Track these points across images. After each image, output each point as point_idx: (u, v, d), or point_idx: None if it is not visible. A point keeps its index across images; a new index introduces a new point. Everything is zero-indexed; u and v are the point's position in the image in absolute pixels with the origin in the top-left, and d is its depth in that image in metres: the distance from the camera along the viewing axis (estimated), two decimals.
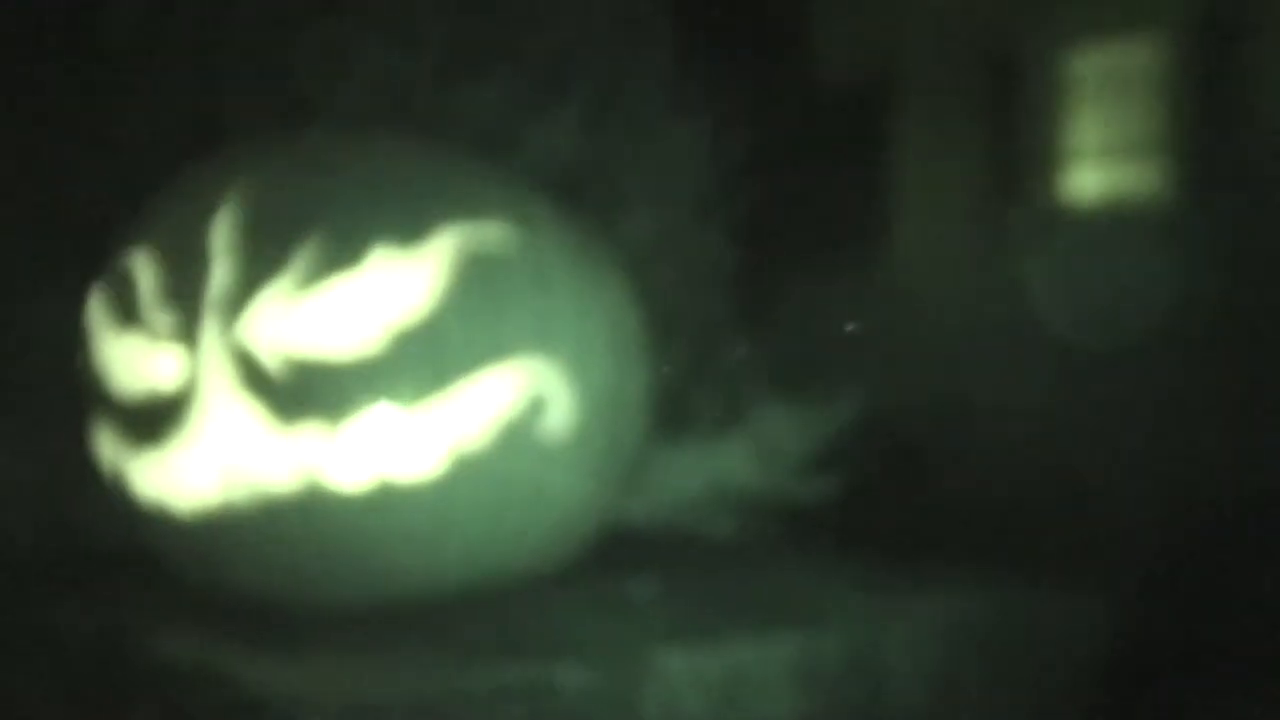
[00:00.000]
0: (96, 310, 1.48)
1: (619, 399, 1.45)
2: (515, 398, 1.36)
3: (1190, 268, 1.67)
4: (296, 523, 1.36)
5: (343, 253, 1.35)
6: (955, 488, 1.78)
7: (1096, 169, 1.83)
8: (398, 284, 1.35)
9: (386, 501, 1.35)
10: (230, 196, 1.40)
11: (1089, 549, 1.63)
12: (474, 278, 1.36)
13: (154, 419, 1.40)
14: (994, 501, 1.73)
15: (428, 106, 1.85)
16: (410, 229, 1.36)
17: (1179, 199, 1.80)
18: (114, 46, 1.83)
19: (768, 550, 1.81)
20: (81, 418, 1.54)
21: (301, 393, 1.34)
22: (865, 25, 2.03)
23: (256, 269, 1.36)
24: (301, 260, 1.35)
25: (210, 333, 1.36)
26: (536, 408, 1.38)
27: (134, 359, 1.42)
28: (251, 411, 1.35)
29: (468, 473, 1.36)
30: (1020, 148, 1.89)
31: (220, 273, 1.37)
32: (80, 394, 1.54)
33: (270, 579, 1.40)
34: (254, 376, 1.35)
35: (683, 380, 1.83)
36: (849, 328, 1.88)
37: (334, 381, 1.34)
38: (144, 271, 1.42)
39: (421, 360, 1.34)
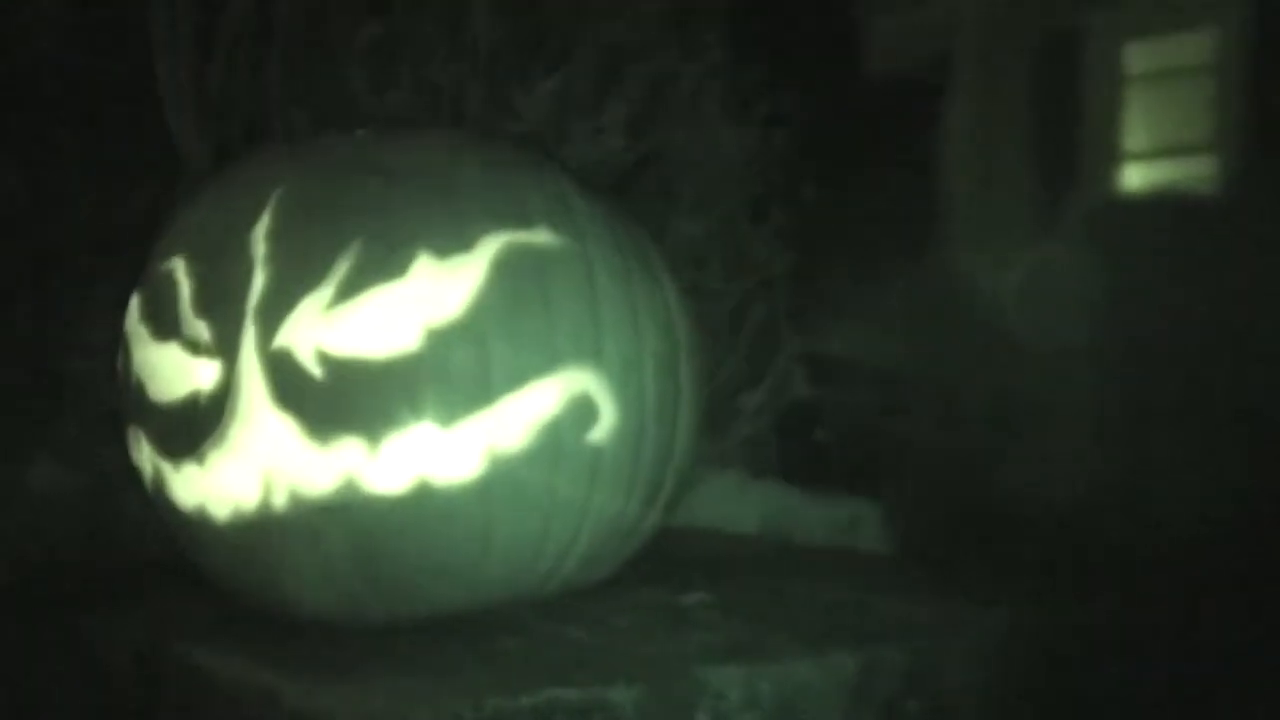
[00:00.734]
0: (135, 318, 1.45)
1: (669, 409, 1.41)
2: (562, 407, 1.33)
3: (1261, 264, 1.62)
4: (335, 527, 1.32)
5: (386, 260, 1.31)
6: (1016, 496, 1.73)
7: (1161, 162, 1.78)
8: (442, 292, 1.31)
9: (427, 506, 1.31)
10: (271, 202, 1.37)
11: (1154, 560, 1.58)
12: (521, 286, 1.33)
13: (193, 427, 1.37)
14: (1054, 510, 1.69)
15: (474, 108, 1.83)
16: (455, 235, 1.32)
17: (1249, 192, 1.75)
18: (157, 47, 1.81)
19: (824, 564, 1.77)
20: (122, 426, 1.52)
21: (342, 402, 1.31)
22: (924, 14, 1.98)
23: (297, 276, 1.33)
24: (343, 268, 1.32)
25: (250, 341, 1.33)
26: (584, 417, 1.34)
27: (173, 367, 1.38)
28: (290, 420, 1.32)
29: (511, 480, 1.32)
30: (1083, 141, 1.84)
31: (260, 280, 1.34)
32: (120, 402, 1.52)
33: (310, 589, 1.37)
34: (294, 385, 1.32)
35: (735, 387, 1.79)
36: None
37: (375, 392, 1.30)
38: (183, 278, 1.39)
39: (466, 371, 1.30)
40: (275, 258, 1.34)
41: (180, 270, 1.40)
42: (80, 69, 1.81)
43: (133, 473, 1.68)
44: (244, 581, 1.41)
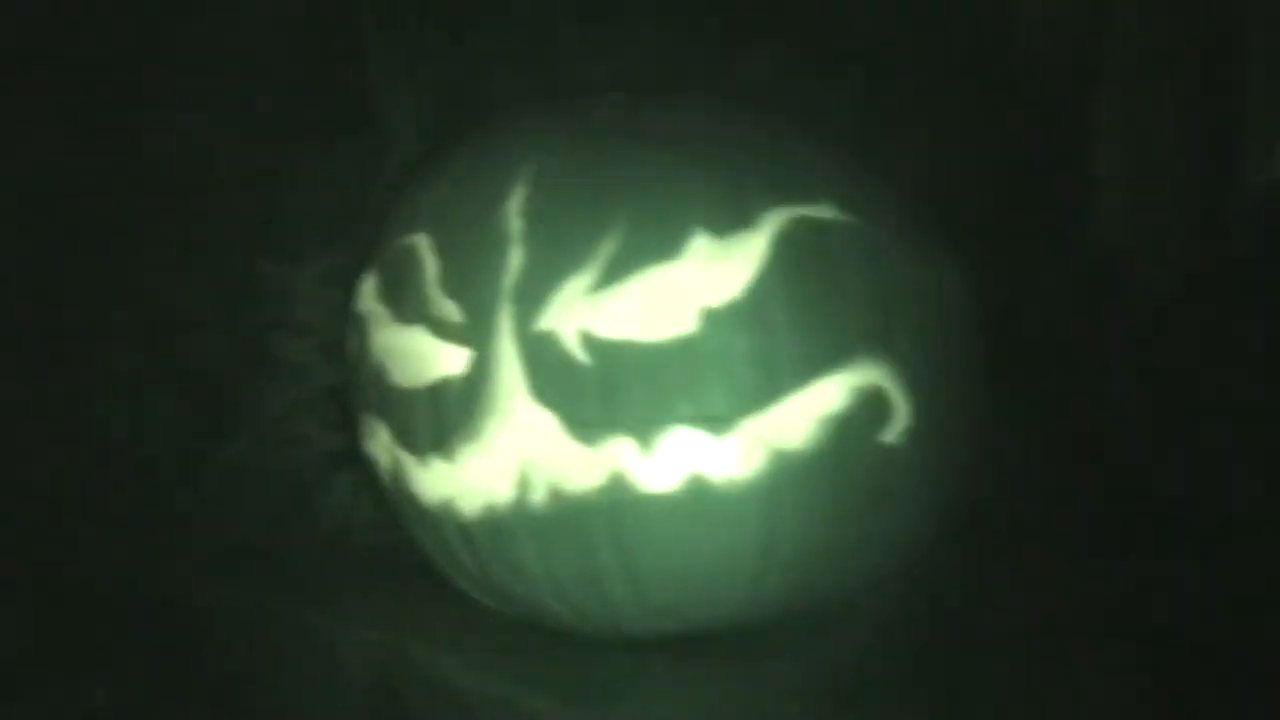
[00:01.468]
0: (371, 298, 1.36)
1: (960, 403, 1.28)
2: (853, 402, 1.20)
3: None
4: (600, 527, 1.21)
5: (655, 240, 1.20)
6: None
7: None
8: (718, 276, 1.19)
9: (703, 507, 1.20)
10: (523, 173, 1.26)
11: None
12: (805, 269, 1.20)
13: (440, 417, 1.26)
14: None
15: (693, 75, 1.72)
16: (731, 212, 1.20)
17: None
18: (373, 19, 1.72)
19: None
20: (351, 412, 1.44)
21: (611, 391, 1.19)
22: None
23: (556, 258, 1.22)
24: (608, 248, 1.20)
25: (505, 327, 1.22)
26: (877, 414, 1.21)
27: (418, 351, 1.28)
28: (551, 411, 1.21)
29: (796, 482, 1.20)
30: (1234, 129, 1.68)
31: (516, 261, 1.23)
32: (350, 387, 1.43)
33: (566, 593, 1.26)
34: (556, 373, 1.21)
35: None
36: None
37: (647, 384, 1.19)
38: (427, 255, 1.29)
39: (749, 358, 1.18)
40: (532, 235, 1.23)
41: (423, 247, 1.30)
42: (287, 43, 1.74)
43: (339, 458, 1.60)
44: (491, 583, 1.31)
